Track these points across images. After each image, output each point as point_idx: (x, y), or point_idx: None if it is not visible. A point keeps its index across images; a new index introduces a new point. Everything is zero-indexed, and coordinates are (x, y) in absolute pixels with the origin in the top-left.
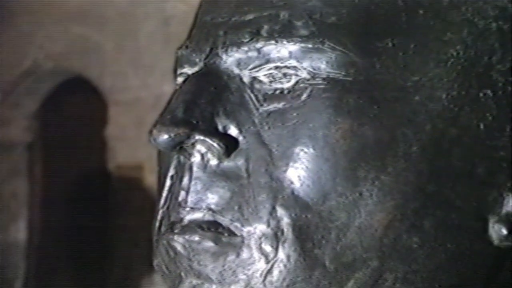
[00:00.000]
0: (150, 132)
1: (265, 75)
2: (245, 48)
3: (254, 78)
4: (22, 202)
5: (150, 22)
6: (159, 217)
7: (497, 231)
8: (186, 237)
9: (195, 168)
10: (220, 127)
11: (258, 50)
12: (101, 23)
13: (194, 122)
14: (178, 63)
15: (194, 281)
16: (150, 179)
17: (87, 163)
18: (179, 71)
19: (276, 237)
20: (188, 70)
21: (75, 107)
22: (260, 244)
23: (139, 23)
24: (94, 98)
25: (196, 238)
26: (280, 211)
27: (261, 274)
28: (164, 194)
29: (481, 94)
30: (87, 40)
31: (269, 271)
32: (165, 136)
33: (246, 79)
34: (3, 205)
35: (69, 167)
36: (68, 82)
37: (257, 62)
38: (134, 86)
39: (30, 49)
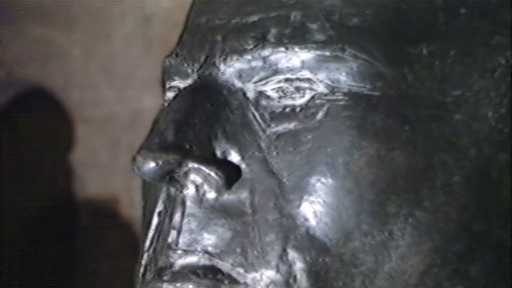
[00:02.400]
0: (134, 159)
1: (273, 89)
2: (248, 57)
3: (260, 93)
4: None
5: (127, 22)
6: (144, 262)
7: None
8: (178, 285)
9: (188, 203)
10: (218, 153)
11: (264, 59)
12: (67, 23)
13: (187, 146)
14: (166, 74)
15: None
16: (127, 214)
17: (49, 195)
18: (168, 84)
19: (288, 285)
20: (179, 83)
21: (34, 125)
22: None
23: (113, 23)
24: (58, 115)
25: (190, 286)
26: (292, 254)
27: None
28: (151, 234)
29: None
30: (49, 43)
31: None
32: (152, 164)
33: (250, 94)
34: None
35: (27, 201)
36: (24, 94)
37: (262, 74)
38: (108, 100)
39: None
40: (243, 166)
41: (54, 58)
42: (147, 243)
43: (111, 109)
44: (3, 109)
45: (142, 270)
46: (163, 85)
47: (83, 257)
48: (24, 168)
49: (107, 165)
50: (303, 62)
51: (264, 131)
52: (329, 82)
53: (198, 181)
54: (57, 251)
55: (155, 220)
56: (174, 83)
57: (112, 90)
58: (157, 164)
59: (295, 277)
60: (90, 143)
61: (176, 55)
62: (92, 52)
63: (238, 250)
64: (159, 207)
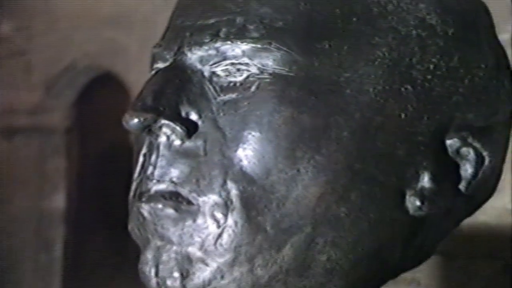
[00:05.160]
0: (124, 116)
1: (222, 70)
2: (206, 47)
3: (213, 73)
4: (62, 176)
5: None
6: (133, 188)
7: (412, 202)
8: (151, 204)
9: (161, 147)
10: (183, 113)
11: (217, 49)
12: (128, 28)
13: (161, 108)
14: (154, 59)
15: (159, 243)
16: None
17: (115, 143)
18: (154, 66)
19: (226, 206)
20: (161, 65)
21: (105, 98)
22: (213, 211)
23: (159, 28)
24: (121, 91)
25: (160, 205)
26: (230, 184)
27: (213, 237)
28: (138, 168)
29: (402, 89)
30: (116, 42)
31: (220, 235)
32: (135, 120)
33: (206, 73)
34: (47, 179)
35: (100, 147)
36: (99, 77)
37: (216, 59)
38: None
39: (70, 50)
40: (199, 123)
41: (119, 53)
42: (136, 175)
43: None
44: (86, 87)
45: (132, 194)
46: (151, 67)
47: None
48: (99, 126)
49: None
50: (243, 51)
51: (215, 99)
52: (260, 66)
53: (168, 132)
54: (120, 179)
55: (141, 159)
56: (157, 65)
57: None
58: (139, 120)
59: (231, 200)
60: None
61: (160, 46)
62: (145, 48)
63: (194, 180)
64: (144, 150)
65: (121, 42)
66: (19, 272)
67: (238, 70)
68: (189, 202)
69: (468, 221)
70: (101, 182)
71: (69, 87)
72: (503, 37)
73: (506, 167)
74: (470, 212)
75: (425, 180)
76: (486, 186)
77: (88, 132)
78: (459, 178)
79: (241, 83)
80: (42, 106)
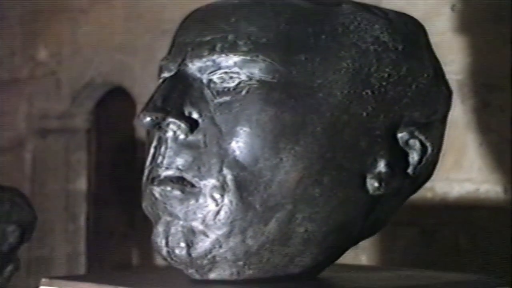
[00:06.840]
0: (138, 116)
1: (217, 77)
2: (204, 60)
3: (210, 80)
4: (83, 165)
5: (164, 51)
6: (146, 174)
7: (372, 184)
8: (161, 187)
9: (169, 141)
10: (186, 113)
11: (213, 61)
12: (134, 52)
13: (168, 109)
14: (161, 70)
15: (168, 218)
16: None
17: (124, 140)
18: (161, 75)
19: (223, 188)
20: (167, 74)
21: (116, 106)
22: (212, 193)
23: (158, 52)
24: (128, 101)
25: (168, 188)
26: (225, 171)
27: (212, 214)
28: (149, 158)
29: (364, 93)
30: (124, 63)
31: (218, 212)
32: (148, 119)
33: (205, 81)
34: (72, 168)
35: (113, 143)
36: (112, 90)
37: (212, 69)
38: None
39: (90, 70)
40: (200, 121)
41: (126, 72)
42: (147, 163)
43: None
44: (102, 98)
45: (144, 179)
46: (159, 76)
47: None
48: (112, 127)
49: None
50: (235, 62)
51: (212, 101)
52: (248, 74)
53: (174, 128)
54: (127, 169)
55: (152, 150)
56: (164, 75)
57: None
58: (151, 119)
59: (227, 183)
60: None
61: (166, 59)
62: (147, 67)
63: (196, 167)
64: (155, 143)
65: (128, 64)
66: (53, 238)
67: (231, 77)
68: (192, 185)
69: None
70: (114, 170)
71: (89, 98)
72: None
73: None
74: (414, 191)
75: (382, 166)
76: (427, 170)
77: (103, 132)
78: (407, 164)
79: (234, 88)
80: (68, 112)
